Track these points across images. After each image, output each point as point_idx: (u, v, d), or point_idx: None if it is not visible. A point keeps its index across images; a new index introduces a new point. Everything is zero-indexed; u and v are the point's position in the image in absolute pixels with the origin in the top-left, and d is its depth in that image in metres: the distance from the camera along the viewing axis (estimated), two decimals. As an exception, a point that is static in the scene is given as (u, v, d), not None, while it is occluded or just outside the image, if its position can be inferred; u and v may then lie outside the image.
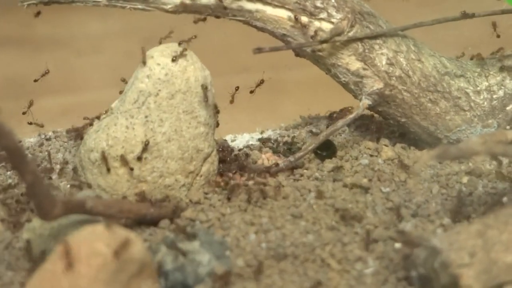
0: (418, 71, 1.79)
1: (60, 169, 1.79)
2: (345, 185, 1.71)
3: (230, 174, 1.75)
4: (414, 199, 1.68)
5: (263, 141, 1.90)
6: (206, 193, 1.70)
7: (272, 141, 1.90)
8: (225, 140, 1.90)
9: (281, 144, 1.88)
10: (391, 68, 1.78)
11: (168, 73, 1.66)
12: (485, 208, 1.64)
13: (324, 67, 1.80)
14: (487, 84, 1.83)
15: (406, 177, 1.74)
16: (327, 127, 1.84)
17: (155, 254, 1.51)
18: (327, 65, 1.79)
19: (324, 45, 1.76)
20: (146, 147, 1.66)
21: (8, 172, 1.81)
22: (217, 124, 1.75)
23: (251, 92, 1.87)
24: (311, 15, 1.76)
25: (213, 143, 1.73)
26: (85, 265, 1.39)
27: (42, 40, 2.86)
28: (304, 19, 1.76)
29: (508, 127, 1.82)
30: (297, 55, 1.82)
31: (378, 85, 1.78)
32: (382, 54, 1.78)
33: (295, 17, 1.74)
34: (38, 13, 1.80)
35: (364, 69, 1.78)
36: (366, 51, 1.77)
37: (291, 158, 1.77)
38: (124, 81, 1.79)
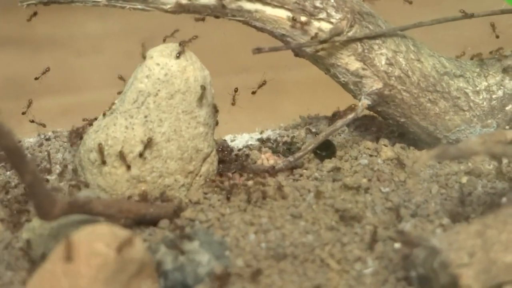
0: (417, 71, 1.79)
1: (61, 172, 1.79)
2: (343, 186, 1.71)
3: (230, 174, 1.75)
4: (414, 199, 1.68)
5: (263, 141, 1.90)
6: (205, 193, 1.70)
7: (272, 141, 1.90)
8: (225, 140, 1.90)
9: (280, 144, 1.88)
10: (390, 68, 1.78)
11: (168, 73, 1.66)
12: (484, 208, 1.64)
13: (323, 67, 1.80)
14: (486, 84, 1.83)
15: (405, 177, 1.74)
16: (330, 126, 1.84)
17: (154, 254, 1.51)
18: (327, 65, 1.79)
19: (324, 45, 1.76)
20: (148, 143, 1.66)
21: (8, 172, 1.81)
22: (217, 123, 1.75)
23: (253, 93, 1.87)
24: (311, 15, 1.76)
25: (212, 143, 1.73)
26: (84, 265, 1.39)
27: (42, 40, 2.87)
28: (303, 19, 1.76)
29: (507, 127, 1.82)
30: (296, 55, 1.82)
31: (377, 85, 1.78)
32: (381, 54, 1.78)
33: (293, 18, 1.74)
34: (35, 14, 1.80)
35: (363, 69, 1.78)
36: (366, 51, 1.77)
37: (291, 158, 1.77)
38: (121, 78, 1.80)
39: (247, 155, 1.82)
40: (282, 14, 1.77)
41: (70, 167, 1.81)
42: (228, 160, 1.79)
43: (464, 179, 1.73)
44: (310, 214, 1.62)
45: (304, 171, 1.77)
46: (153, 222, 1.61)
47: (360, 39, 1.77)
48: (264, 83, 1.87)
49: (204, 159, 1.71)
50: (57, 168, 1.82)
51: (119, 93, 1.74)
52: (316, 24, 1.77)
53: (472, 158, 1.77)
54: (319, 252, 1.55)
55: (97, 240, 1.41)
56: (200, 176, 1.71)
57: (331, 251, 1.55)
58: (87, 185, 1.70)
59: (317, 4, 1.76)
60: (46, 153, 1.86)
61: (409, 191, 1.71)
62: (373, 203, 1.66)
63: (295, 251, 1.55)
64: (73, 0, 1.77)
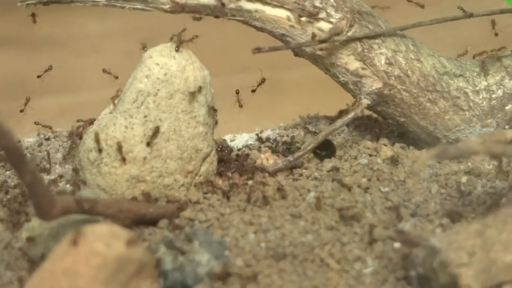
0: (417, 71, 1.79)
1: (59, 176, 1.79)
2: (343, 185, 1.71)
3: (229, 174, 1.75)
4: (413, 199, 1.68)
5: (262, 141, 1.90)
6: (205, 193, 1.70)
7: (271, 141, 1.90)
8: (224, 140, 1.90)
9: (280, 144, 1.88)
10: (390, 68, 1.78)
11: (167, 72, 1.66)
12: (484, 207, 1.64)
13: (323, 67, 1.80)
14: (486, 83, 1.83)
15: (405, 177, 1.74)
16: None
17: (154, 254, 1.51)
18: (326, 65, 1.79)
19: (323, 45, 1.76)
20: (156, 133, 1.65)
21: (8, 172, 1.81)
22: (216, 123, 1.75)
23: (253, 91, 1.87)
24: (310, 15, 1.76)
25: (212, 143, 1.73)
26: (84, 265, 1.39)
27: (42, 40, 2.87)
28: (303, 19, 1.76)
29: (507, 126, 1.82)
30: (296, 54, 1.82)
31: (377, 85, 1.78)
32: (381, 53, 1.78)
33: (300, 15, 1.74)
34: (33, 15, 1.80)
35: (363, 68, 1.78)
36: (365, 50, 1.77)
37: (290, 158, 1.77)
38: (117, 78, 1.80)
39: (247, 155, 1.82)
40: (282, 14, 1.77)
41: (69, 167, 1.81)
42: (228, 160, 1.79)
43: (464, 179, 1.73)
44: (309, 214, 1.62)
45: (304, 170, 1.77)
46: (152, 222, 1.61)
47: (359, 39, 1.77)
48: (263, 81, 1.87)
49: (204, 159, 1.71)
50: (57, 168, 1.82)
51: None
52: (315, 23, 1.76)
53: (471, 157, 1.77)
54: (319, 252, 1.55)
55: (96, 240, 1.41)
56: (200, 175, 1.71)
57: (331, 250, 1.55)
58: (87, 185, 1.70)
59: (317, 3, 1.76)
60: (45, 153, 1.86)
61: (408, 191, 1.71)
62: (372, 202, 1.66)
63: (294, 250, 1.55)
64: (73, 0, 1.77)
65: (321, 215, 1.62)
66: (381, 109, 1.81)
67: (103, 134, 1.68)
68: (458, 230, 1.46)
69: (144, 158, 1.67)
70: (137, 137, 1.66)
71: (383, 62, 1.78)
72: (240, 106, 1.84)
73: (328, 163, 1.78)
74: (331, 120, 1.94)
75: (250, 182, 1.71)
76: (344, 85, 1.80)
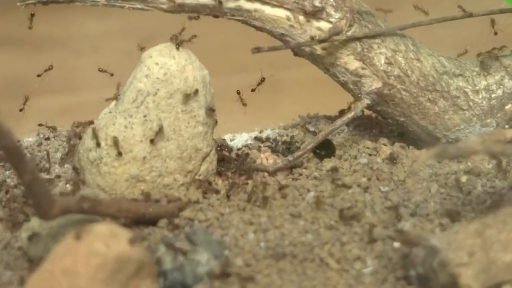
0: (416, 70, 1.79)
1: (56, 176, 1.79)
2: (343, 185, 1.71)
3: (229, 174, 1.75)
4: (413, 198, 1.68)
5: (262, 141, 1.90)
6: (205, 193, 1.70)
7: (271, 141, 1.90)
8: (224, 139, 1.90)
9: (279, 144, 1.88)
10: (389, 68, 1.78)
11: (167, 72, 1.66)
12: (484, 207, 1.64)
13: (322, 67, 1.80)
14: (485, 83, 1.83)
15: (405, 176, 1.74)
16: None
17: (154, 254, 1.51)
18: (326, 65, 1.79)
19: (323, 45, 1.76)
20: (160, 130, 1.65)
21: (7, 172, 1.81)
22: (216, 122, 1.75)
23: (253, 90, 1.87)
24: (310, 14, 1.76)
25: (211, 143, 1.73)
26: (83, 265, 1.39)
27: (41, 40, 2.87)
28: (302, 18, 1.76)
29: (506, 126, 1.82)
30: (295, 54, 1.82)
31: (376, 85, 1.78)
32: (380, 53, 1.78)
33: (305, 12, 1.74)
34: (32, 15, 1.80)
35: (362, 68, 1.78)
36: (365, 50, 1.77)
37: (290, 158, 1.77)
38: (112, 75, 1.80)
39: (247, 154, 1.82)
40: (281, 13, 1.77)
41: (69, 166, 1.81)
42: (228, 160, 1.79)
43: (464, 178, 1.73)
44: (309, 213, 1.62)
45: (304, 170, 1.77)
46: (152, 221, 1.61)
47: (359, 39, 1.77)
48: (262, 80, 1.87)
49: (204, 159, 1.71)
50: (56, 168, 1.82)
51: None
52: (315, 23, 1.76)
53: (471, 157, 1.77)
54: (319, 251, 1.55)
55: (96, 240, 1.41)
56: (200, 175, 1.71)
57: (331, 250, 1.55)
58: (86, 185, 1.70)
59: (316, 3, 1.76)
60: (45, 152, 1.86)
61: (408, 190, 1.71)
62: (372, 202, 1.66)
63: (294, 250, 1.55)
64: (72, 0, 1.77)
65: (321, 214, 1.62)
66: (380, 108, 1.81)
67: (103, 133, 1.68)
68: (457, 230, 1.46)
69: (144, 157, 1.67)
70: (136, 136, 1.66)
71: (382, 61, 1.78)
72: (244, 104, 1.84)
73: (328, 163, 1.78)
74: (331, 120, 1.94)
75: (249, 181, 1.71)
76: (343, 84, 1.80)
